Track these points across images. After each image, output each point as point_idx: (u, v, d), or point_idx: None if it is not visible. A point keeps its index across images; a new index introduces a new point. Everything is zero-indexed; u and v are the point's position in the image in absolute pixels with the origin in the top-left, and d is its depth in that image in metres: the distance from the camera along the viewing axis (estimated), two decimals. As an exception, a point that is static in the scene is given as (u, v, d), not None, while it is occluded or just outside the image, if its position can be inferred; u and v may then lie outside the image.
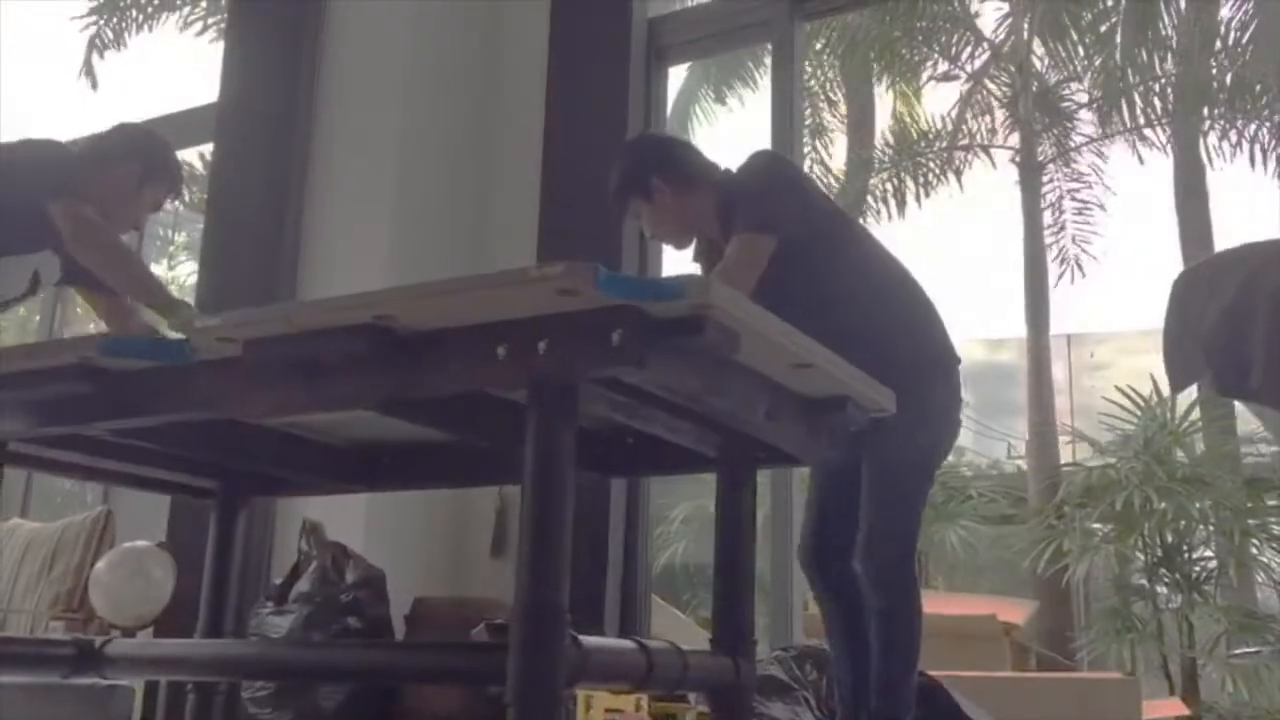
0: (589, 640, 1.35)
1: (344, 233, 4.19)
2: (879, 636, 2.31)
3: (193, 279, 4.64)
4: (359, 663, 2.09)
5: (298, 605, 3.24)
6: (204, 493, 2.40)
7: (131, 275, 2.46)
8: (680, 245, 2.64)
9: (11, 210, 2.37)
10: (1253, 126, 8.34)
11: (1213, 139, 8.47)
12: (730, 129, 9.73)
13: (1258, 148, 8.40)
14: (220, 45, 9.07)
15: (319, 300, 1.42)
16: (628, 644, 1.46)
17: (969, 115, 9.14)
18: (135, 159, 2.58)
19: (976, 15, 8.74)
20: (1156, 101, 8.70)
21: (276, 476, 2.30)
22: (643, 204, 2.57)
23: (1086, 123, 9.12)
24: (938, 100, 9.36)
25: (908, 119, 9.50)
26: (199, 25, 8.96)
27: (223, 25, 8.87)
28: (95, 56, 8.46)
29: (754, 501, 1.80)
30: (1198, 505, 5.12)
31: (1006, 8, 8.97)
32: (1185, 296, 2.06)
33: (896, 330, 2.42)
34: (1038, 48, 9.01)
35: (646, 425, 1.61)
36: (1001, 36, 9.05)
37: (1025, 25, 8.79)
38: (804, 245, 2.33)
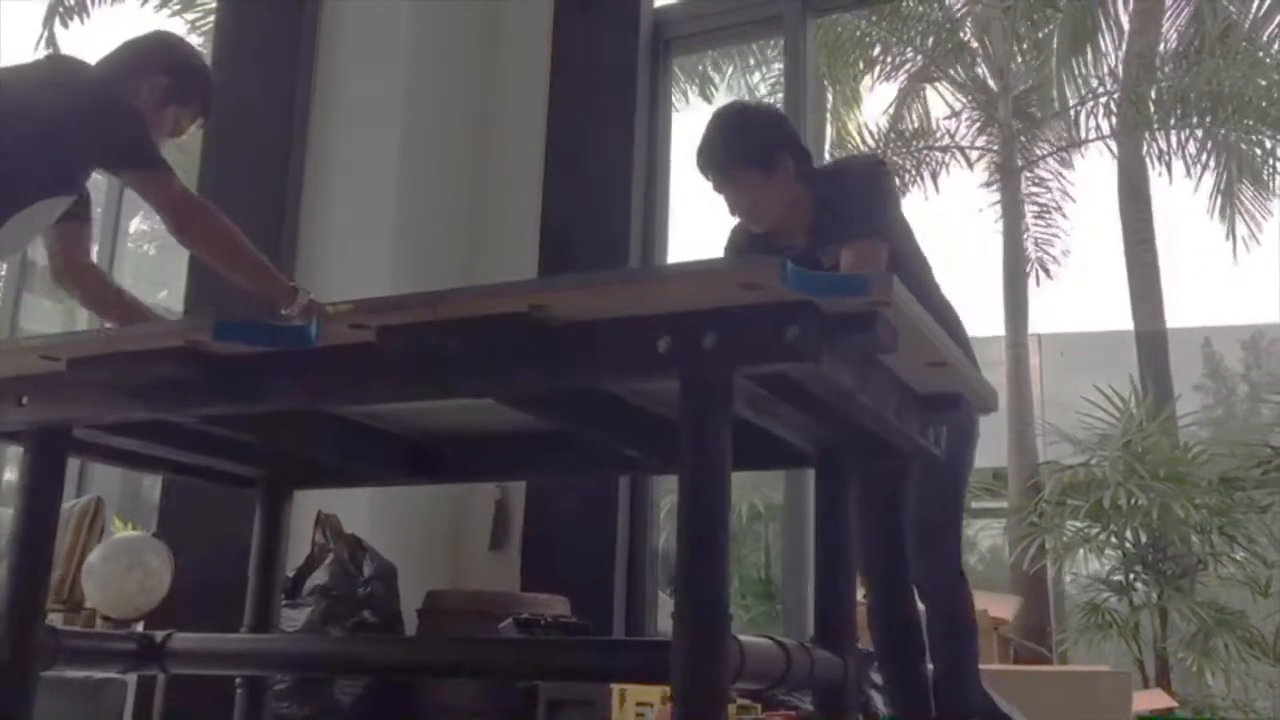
0: (745, 640, 1.33)
1: (343, 225, 4.05)
2: (946, 634, 2.33)
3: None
4: (406, 657, 2.06)
5: (314, 598, 3.16)
6: (247, 482, 2.32)
7: (250, 263, 2.10)
8: (760, 228, 2.48)
9: (53, 151, 2.08)
10: (1187, 135, 8.57)
11: (1158, 145, 8.69)
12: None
13: (1190, 150, 8.64)
14: (180, 20, 8.85)
15: (467, 288, 1.37)
16: (767, 642, 1.44)
17: (939, 117, 9.26)
18: (161, 71, 2.26)
19: (959, 17, 8.82)
20: (1094, 111, 8.87)
21: (329, 466, 2.23)
22: (758, 174, 2.38)
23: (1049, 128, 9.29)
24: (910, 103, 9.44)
25: (868, 120, 9.59)
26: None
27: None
28: (58, 25, 8.14)
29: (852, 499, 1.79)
30: (1179, 503, 5.26)
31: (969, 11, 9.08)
32: None
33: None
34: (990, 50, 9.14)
35: (769, 422, 1.59)
36: (968, 38, 9.17)
37: (1000, 31, 8.90)
38: (895, 257, 2.32)
